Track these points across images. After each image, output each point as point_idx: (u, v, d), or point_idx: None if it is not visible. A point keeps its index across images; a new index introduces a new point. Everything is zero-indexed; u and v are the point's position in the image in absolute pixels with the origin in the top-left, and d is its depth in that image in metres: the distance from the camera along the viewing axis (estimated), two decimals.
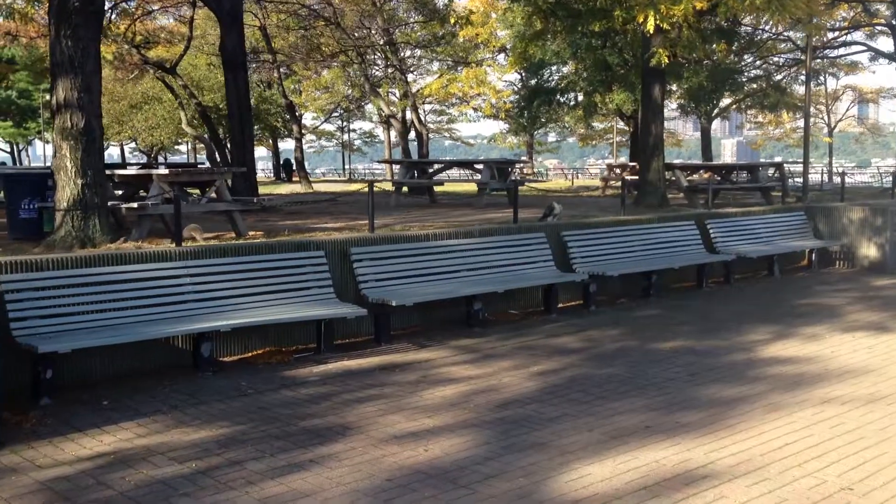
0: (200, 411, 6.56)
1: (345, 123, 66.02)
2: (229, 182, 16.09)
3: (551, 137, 70.48)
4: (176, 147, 59.20)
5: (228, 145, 18.92)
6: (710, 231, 13.45)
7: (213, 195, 10.85)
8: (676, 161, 52.03)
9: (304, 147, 74.97)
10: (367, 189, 10.38)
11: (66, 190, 8.72)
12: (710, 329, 9.90)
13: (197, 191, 17.54)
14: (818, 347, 8.92)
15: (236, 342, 8.34)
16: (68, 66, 8.63)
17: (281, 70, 32.76)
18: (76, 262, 7.28)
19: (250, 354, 8.46)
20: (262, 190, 30.65)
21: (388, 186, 17.26)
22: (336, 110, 58.09)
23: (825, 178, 34.07)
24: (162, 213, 10.30)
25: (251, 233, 11.33)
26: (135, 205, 9.75)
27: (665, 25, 11.21)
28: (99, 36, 9.06)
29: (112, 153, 64.33)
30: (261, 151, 79.50)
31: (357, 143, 71.77)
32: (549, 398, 7.02)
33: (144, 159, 52.30)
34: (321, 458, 5.56)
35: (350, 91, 43.67)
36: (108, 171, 11.07)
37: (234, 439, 5.91)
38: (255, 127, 42.66)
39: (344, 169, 70.41)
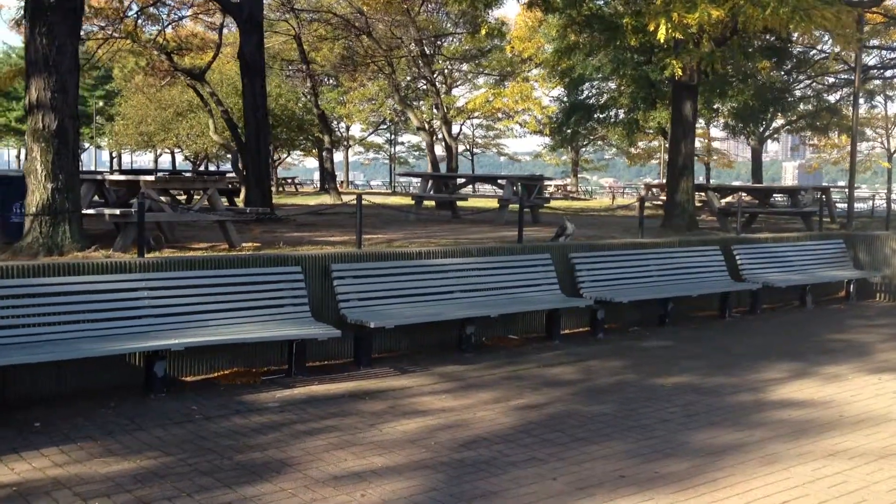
0: (134, 438, 6.05)
1: (392, 136, 65.92)
2: (236, 192, 15.78)
3: (607, 155, 69.36)
4: (228, 156, 59.60)
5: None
6: (737, 257, 12.62)
7: (206, 204, 10.40)
8: (735, 183, 50.50)
9: (354, 158, 75.29)
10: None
11: (36, 194, 8.35)
12: (722, 364, 9.13)
13: (224, 199, 17.29)
14: (837, 390, 8.10)
15: (201, 361, 7.83)
16: (42, 65, 8.27)
17: (315, 79, 32.50)
18: (22, 272, 6.85)
19: (216, 374, 7.95)
20: (299, 200, 30.46)
21: (406, 200, 16.69)
22: (384, 122, 57.99)
23: (882, 204, 32.61)
24: (149, 220, 9.87)
25: (246, 244, 10.86)
26: (117, 211, 9.33)
27: (678, 35, 10.48)
28: (77, 34, 8.70)
29: (165, 160, 65.03)
30: (311, 162, 79.93)
31: (404, 155, 71.65)
32: (521, 437, 6.37)
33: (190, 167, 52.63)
34: (241, 501, 4.99)
35: (394, 103, 43.35)
36: (99, 177, 10.74)
37: (156, 473, 5.37)
38: (301, 137, 42.62)
39: (391, 181, 70.23)
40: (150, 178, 9.84)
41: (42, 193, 8.33)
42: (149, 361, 7.08)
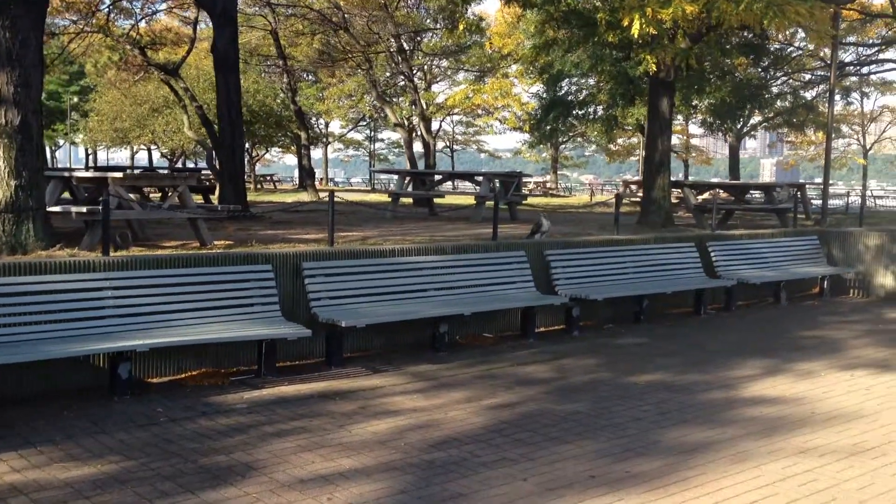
0: (96, 442, 5.92)
1: (372, 132, 65.69)
2: (209, 188, 15.60)
3: (587, 151, 69.50)
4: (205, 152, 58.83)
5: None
6: (712, 254, 12.62)
7: (177, 201, 10.24)
8: (713, 179, 50.65)
9: (333, 155, 74.90)
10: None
11: None
12: (696, 361, 9.10)
13: (199, 196, 17.09)
14: (810, 386, 8.10)
15: (167, 362, 7.70)
16: (5, 59, 8.10)
17: (292, 75, 32.27)
18: None
19: (183, 375, 7.82)
20: (277, 197, 30.20)
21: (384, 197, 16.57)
22: (363, 119, 57.77)
23: (857, 201, 32.82)
24: (118, 218, 9.73)
25: (218, 242, 10.72)
26: (83, 209, 9.17)
27: (652, 30, 10.43)
28: (42, 27, 8.52)
29: (142, 157, 64.48)
30: (291, 159, 79.46)
31: (384, 152, 71.40)
32: (493, 437, 6.30)
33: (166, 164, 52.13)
34: None
35: (372, 99, 43.16)
36: (66, 174, 10.56)
37: (116, 478, 5.25)
38: (280, 134, 42.36)
39: (370, 178, 69.98)
40: (119, 174, 9.68)
41: (5, 191, 8.17)
42: (113, 363, 6.94)
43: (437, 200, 19.89)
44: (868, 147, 52.65)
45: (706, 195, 18.37)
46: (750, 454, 6.04)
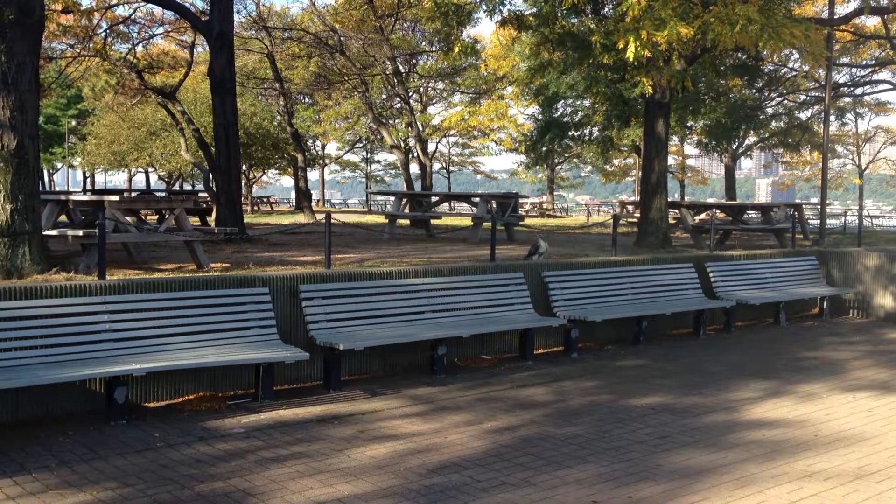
0: (92, 468, 5.83)
1: (368, 154, 65.77)
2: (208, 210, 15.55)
3: (583, 172, 69.63)
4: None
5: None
6: (710, 275, 12.58)
7: (173, 224, 10.19)
8: (709, 200, 50.58)
9: (330, 177, 74.98)
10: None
11: None
12: (696, 383, 9.04)
13: (196, 218, 17.05)
14: (812, 409, 8.04)
15: (164, 386, 7.63)
16: (1, 83, 8.07)
17: (289, 98, 32.36)
18: None
19: (180, 399, 7.74)
20: (274, 219, 30.15)
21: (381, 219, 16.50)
22: (360, 140, 57.89)
23: (854, 221, 32.82)
24: (114, 241, 9.68)
25: (215, 265, 10.66)
26: (80, 232, 9.12)
27: (647, 53, 10.46)
28: (38, 50, 8.51)
29: (140, 179, 64.44)
30: (288, 181, 79.54)
31: (381, 173, 71.44)
32: (493, 462, 6.22)
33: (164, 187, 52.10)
34: None
35: (368, 121, 43.24)
36: (63, 197, 10.52)
37: None
38: (277, 156, 42.41)
39: (367, 200, 69.95)
40: (115, 198, 9.64)
41: (0, 215, 8.12)
42: (109, 387, 6.87)
43: (433, 222, 19.85)
44: (864, 167, 52.77)
45: (703, 216, 18.35)
46: (754, 478, 5.97)
